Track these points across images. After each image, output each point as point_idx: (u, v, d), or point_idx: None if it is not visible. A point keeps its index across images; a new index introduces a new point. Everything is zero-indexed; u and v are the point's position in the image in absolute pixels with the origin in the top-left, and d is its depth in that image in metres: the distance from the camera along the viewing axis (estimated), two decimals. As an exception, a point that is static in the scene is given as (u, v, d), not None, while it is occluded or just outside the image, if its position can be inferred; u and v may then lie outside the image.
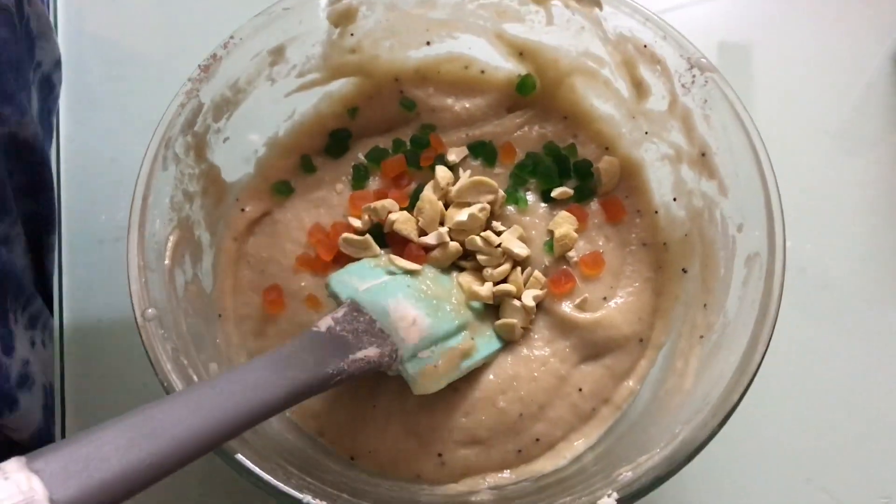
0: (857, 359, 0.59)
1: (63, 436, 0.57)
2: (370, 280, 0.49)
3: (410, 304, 0.48)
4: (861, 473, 0.56)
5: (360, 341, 0.45)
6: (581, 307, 0.52)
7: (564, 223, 0.53)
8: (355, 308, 0.46)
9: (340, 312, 0.46)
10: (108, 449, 0.34)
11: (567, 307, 0.52)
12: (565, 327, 0.52)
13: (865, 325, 0.61)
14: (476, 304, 0.52)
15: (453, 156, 0.56)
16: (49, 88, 0.66)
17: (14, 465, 0.32)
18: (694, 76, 0.49)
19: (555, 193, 0.55)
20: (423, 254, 0.52)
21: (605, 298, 0.52)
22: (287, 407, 0.40)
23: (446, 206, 0.54)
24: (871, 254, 0.63)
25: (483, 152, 0.56)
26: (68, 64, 0.69)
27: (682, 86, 0.50)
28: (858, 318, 0.61)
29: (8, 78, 0.55)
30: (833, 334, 0.60)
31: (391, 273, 0.51)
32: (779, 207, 0.44)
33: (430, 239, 0.52)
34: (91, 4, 0.72)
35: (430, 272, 0.52)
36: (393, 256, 0.51)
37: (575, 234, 0.53)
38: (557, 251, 0.53)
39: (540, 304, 0.52)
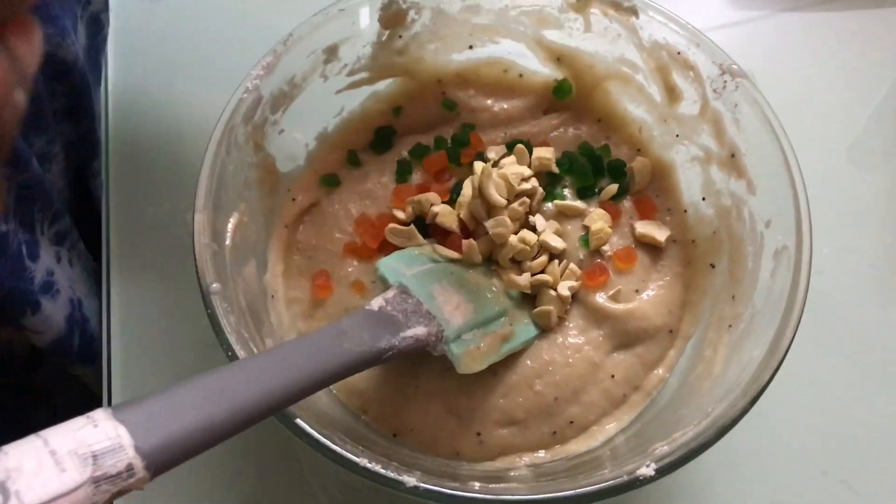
0: (873, 356, 0.62)
1: (110, 401, 0.59)
2: (416, 266, 0.52)
3: (454, 289, 0.51)
4: (878, 466, 0.58)
5: (409, 321, 0.47)
6: (614, 298, 0.54)
7: (599, 219, 0.56)
8: (403, 290, 0.49)
9: (390, 294, 0.49)
10: (185, 405, 0.36)
11: (601, 298, 0.54)
12: (599, 317, 0.54)
13: (881, 323, 0.63)
14: (514, 293, 0.54)
15: (492, 153, 0.59)
16: (98, 28, 0.69)
17: (102, 414, 0.34)
18: (725, 81, 0.52)
19: (603, 194, 0.58)
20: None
21: (637, 291, 0.55)
22: (343, 377, 0.43)
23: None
24: (886, 258, 0.66)
25: (521, 151, 0.59)
26: (118, 61, 0.72)
27: (714, 91, 0.53)
28: (874, 317, 0.63)
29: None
30: (850, 333, 0.63)
31: (435, 261, 0.54)
32: (805, 202, 0.47)
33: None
34: (142, 4, 0.75)
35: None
36: (437, 246, 0.54)
37: (609, 230, 0.56)
38: (592, 245, 0.55)
39: (575, 295, 0.55)
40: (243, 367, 0.41)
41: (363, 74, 0.58)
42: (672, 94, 0.56)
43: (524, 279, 0.54)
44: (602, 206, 0.58)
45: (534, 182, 0.57)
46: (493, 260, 0.56)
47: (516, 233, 0.55)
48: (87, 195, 0.68)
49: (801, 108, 0.73)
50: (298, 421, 0.42)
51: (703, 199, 0.56)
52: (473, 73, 0.60)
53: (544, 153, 0.57)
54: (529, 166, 0.57)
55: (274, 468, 0.57)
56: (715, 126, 0.54)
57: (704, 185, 0.56)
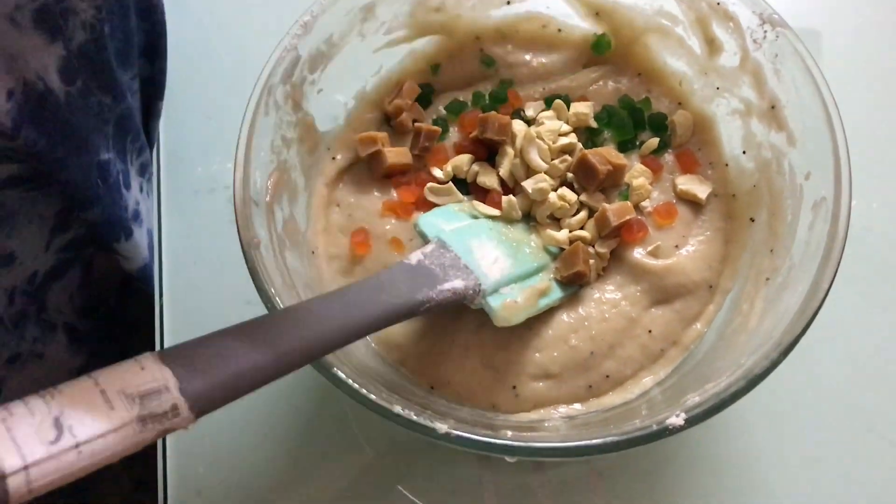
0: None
1: (163, 344, 0.62)
2: (455, 222, 0.53)
3: (493, 244, 0.52)
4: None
5: (446, 274, 0.48)
6: (653, 254, 0.54)
7: (640, 175, 0.56)
8: (442, 245, 0.50)
9: (429, 248, 0.49)
10: (228, 350, 0.38)
11: (639, 254, 0.54)
12: (637, 273, 0.54)
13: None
14: (553, 249, 0.55)
15: (530, 110, 0.59)
16: None
17: (149, 357, 0.36)
18: (765, 32, 0.51)
19: (643, 148, 0.58)
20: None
21: (676, 246, 0.55)
22: (380, 328, 0.44)
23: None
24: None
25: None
26: (170, 32, 0.74)
27: (754, 41, 0.52)
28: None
29: None
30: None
31: (474, 217, 0.54)
32: (846, 153, 0.46)
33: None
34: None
35: None
36: (476, 203, 0.55)
37: (650, 187, 0.56)
38: (632, 201, 0.55)
39: (613, 251, 0.55)
40: (284, 315, 0.42)
41: (401, 32, 0.58)
42: (712, 45, 0.55)
43: (563, 235, 0.55)
44: (643, 160, 0.57)
45: (572, 138, 0.57)
46: (532, 216, 0.56)
47: (555, 190, 0.56)
48: (148, 133, 0.72)
49: (864, 58, 0.71)
50: (335, 370, 0.43)
51: (744, 152, 0.55)
52: (512, 28, 0.60)
53: (582, 108, 0.57)
54: (567, 122, 0.57)
55: (320, 417, 0.59)
56: (755, 77, 0.53)
57: (745, 138, 0.55)
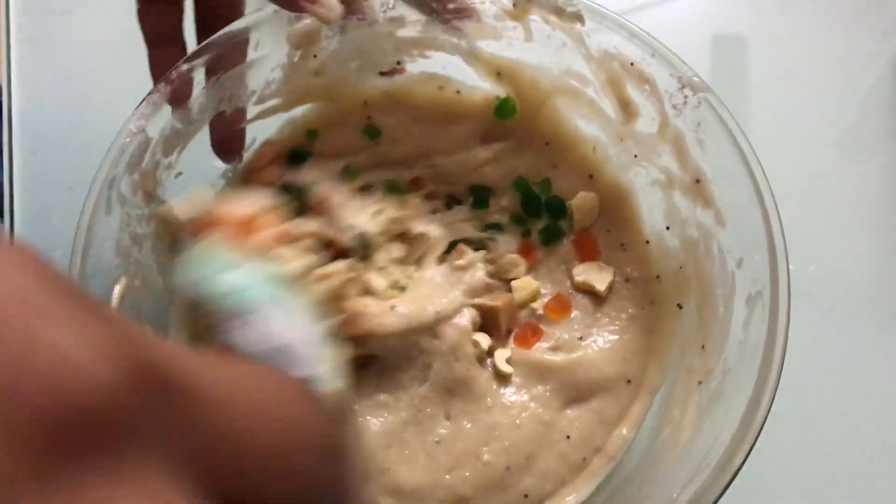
0: (869, 383, 0.56)
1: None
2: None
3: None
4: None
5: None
6: (556, 348, 0.48)
7: (521, 272, 0.51)
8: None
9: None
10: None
11: (539, 350, 0.48)
12: (541, 371, 0.48)
13: (877, 346, 0.57)
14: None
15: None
16: None
17: None
18: (686, 97, 0.45)
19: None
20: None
21: (580, 338, 0.49)
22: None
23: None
24: (879, 271, 0.60)
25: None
26: (22, 93, 0.65)
27: (674, 107, 0.46)
28: (869, 339, 0.57)
29: None
30: (843, 359, 0.57)
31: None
32: (782, 242, 0.41)
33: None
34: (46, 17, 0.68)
35: None
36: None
37: (536, 283, 0.50)
38: (518, 302, 0.49)
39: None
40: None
41: (275, 101, 0.51)
42: (627, 109, 0.49)
43: None
44: (516, 249, 0.52)
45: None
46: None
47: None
48: None
49: (781, 100, 0.66)
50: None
51: (668, 228, 0.49)
52: (404, 92, 0.53)
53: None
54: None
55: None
56: (676, 147, 0.47)
57: (668, 212, 0.49)
